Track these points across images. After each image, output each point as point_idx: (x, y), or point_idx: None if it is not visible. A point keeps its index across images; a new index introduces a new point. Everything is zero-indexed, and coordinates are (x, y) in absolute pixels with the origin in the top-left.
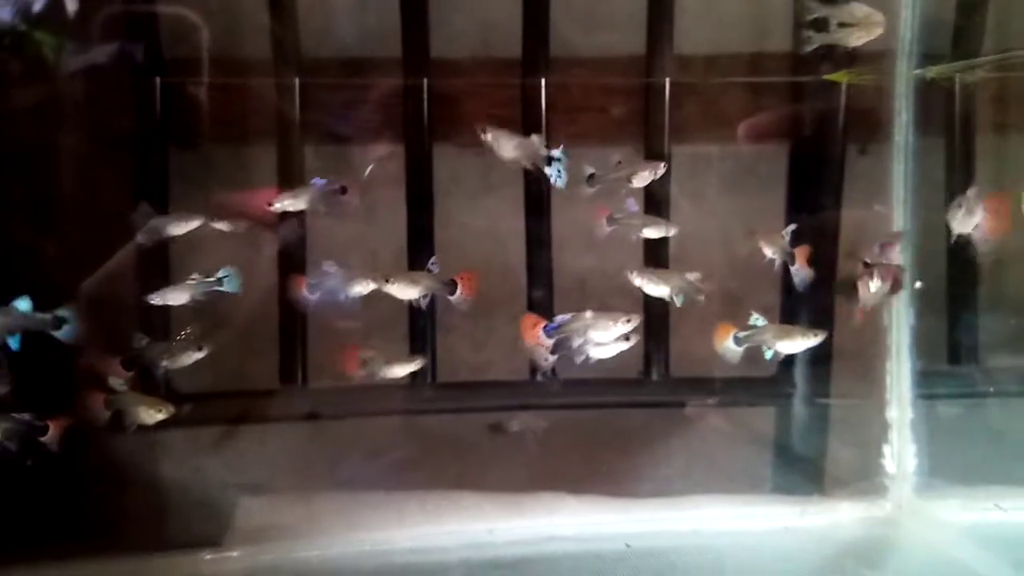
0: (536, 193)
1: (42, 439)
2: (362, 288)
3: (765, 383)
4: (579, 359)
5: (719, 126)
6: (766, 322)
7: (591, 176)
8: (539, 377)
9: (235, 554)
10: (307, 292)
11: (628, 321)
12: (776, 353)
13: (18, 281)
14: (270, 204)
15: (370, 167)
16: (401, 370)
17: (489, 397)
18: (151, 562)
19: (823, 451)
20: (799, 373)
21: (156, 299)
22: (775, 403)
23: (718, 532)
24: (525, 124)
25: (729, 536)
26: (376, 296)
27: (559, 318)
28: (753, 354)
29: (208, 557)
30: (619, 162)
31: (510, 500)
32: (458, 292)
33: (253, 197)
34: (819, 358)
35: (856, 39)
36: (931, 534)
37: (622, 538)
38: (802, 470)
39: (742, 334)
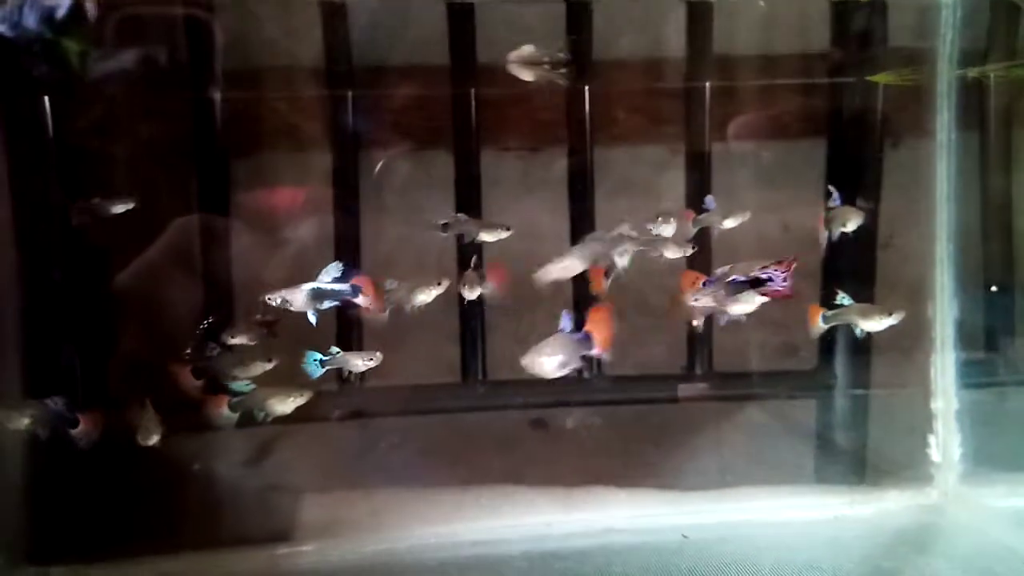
0: (580, 192)
1: (72, 431)
2: (426, 296)
3: (806, 375)
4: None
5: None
6: (852, 301)
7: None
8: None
9: (307, 549)
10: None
11: (790, 265)
12: (862, 331)
13: (89, 298)
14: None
15: (379, 164)
16: (426, 296)
17: (537, 394)
18: (227, 557)
19: (865, 442)
20: (840, 365)
21: (274, 299)
22: (816, 395)
23: (769, 522)
24: (569, 127)
25: (780, 526)
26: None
27: (720, 270)
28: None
29: (282, 552)
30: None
31: (562, 495)
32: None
33: (279, 196)
34: (859, 350)
35: None
36: (978, 521)
37: (677, 530)
38: (845, 461)
39: (829, 313)
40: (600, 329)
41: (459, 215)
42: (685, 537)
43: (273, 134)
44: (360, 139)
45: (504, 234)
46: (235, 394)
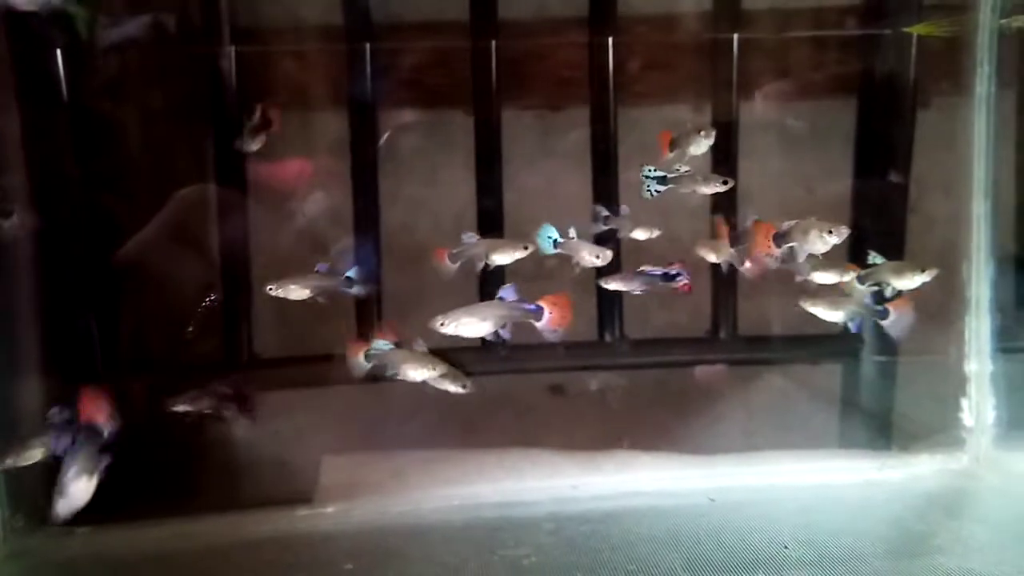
0: (603, 153)
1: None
2: (505, 257)
3: (832, 340)
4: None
5: (788, 82)
6: (884, 260)
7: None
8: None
9: (329, 510)
10: (449, 261)
11: (830, 232)
12: (895, 290)
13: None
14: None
15: (386, 135)
16: (506, 257)
17: (560, 357)
18: (247, 517)
19: (892, 406)
20: (867, 329)
21: (273, 291)
22: (843, 359)
23: (797, 486)
24: (591, 83)
25: (809, 490)
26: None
27: (785, 225)
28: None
29: (303, 513)
30: (687, 170)
31: (586, 457)
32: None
33: (288, 167)
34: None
35: None
36: (1011, 485)
37: (703, 493)
38: (873, 426)
39: (863, 272)
40: (556, 309)
41: (468, 239)
42: (712, 500)
43: (288, 93)
44: (377, 98)
45: (521, 254)
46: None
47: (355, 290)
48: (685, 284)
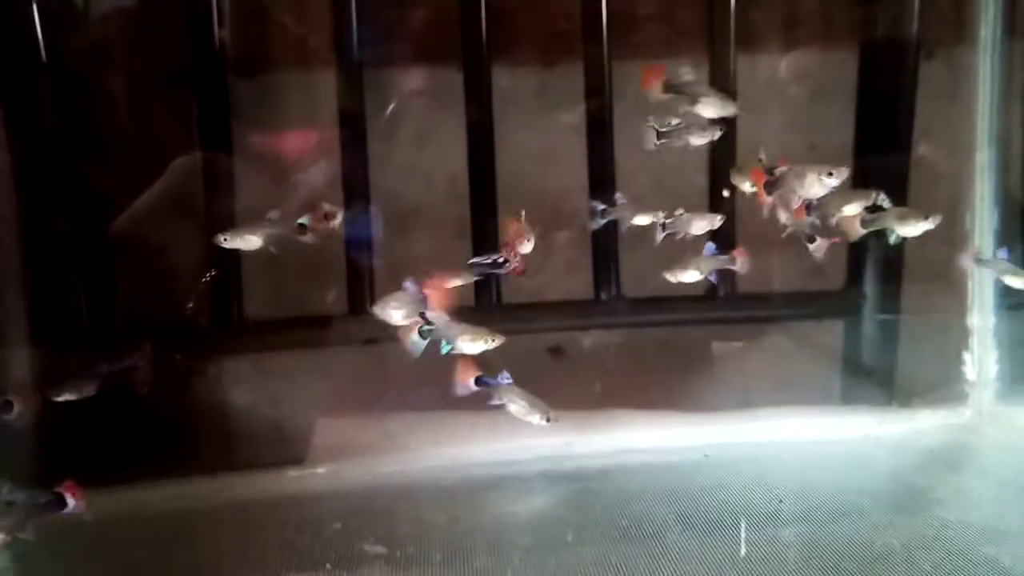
0: (598, 114)
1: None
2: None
3: (833, 296)
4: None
5: (786, 34)
6: (891, 205)
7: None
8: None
9: (320, 471)
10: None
11: (831, 175)
12: (898, 236)
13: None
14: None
15: (391, 107)
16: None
17: (555, 317)
18: (240, 479)
19: (895, 363)
20: (869, 283)
21: (227, 242)
22: (845, 315)
23: (796, 442)
24: (585, 36)
25: (807, 445)
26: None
27: (778, 170)
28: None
29: (294, 474)
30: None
31: (580, 417)
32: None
33: (288, 137)
34: (889, 268)
35: None
36: (1013, 439)
37: (698, 450)
38: (874, 382)
39: (868, 217)
40: (434, 294)
41: (435, 321)
42: (706, 456)
43: (275, 50)
44: (365, 53)
45: (492, 344)
46: (429, 323)
47: (307, 238)
48: (515, 269)
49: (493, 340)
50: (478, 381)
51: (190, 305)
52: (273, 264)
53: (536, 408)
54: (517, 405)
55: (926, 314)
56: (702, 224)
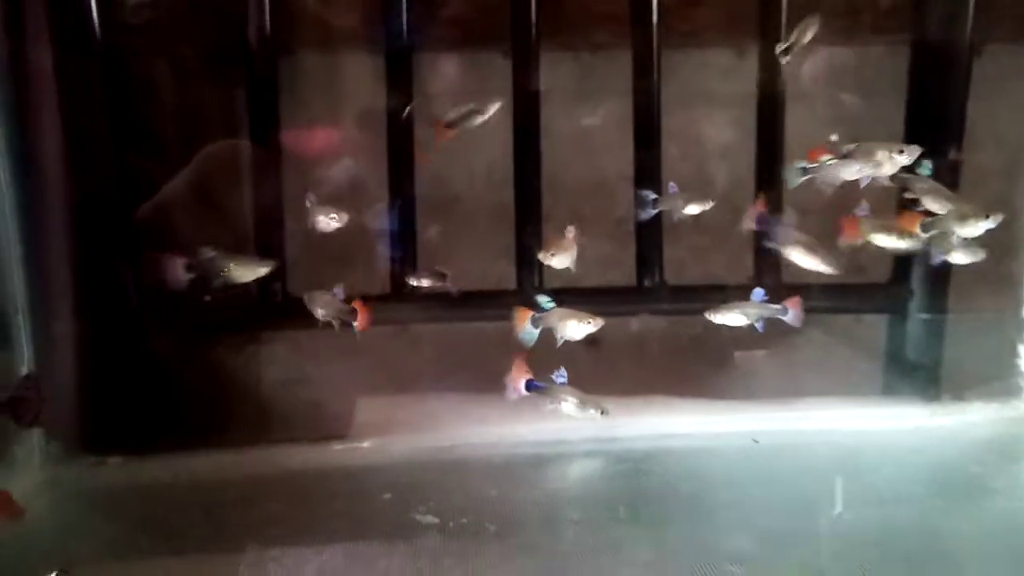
0: (646, 102)
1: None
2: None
3: (879, 289)
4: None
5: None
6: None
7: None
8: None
9: (365, 445)
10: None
11: (901, 152)
12: (959, 239)
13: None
14: None
15: (409, 107)
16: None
17: (597, 303)
18: (285, 451)
19: (941, 353)
20: (916, 276)
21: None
22: (891, 308)
23: (846, 431)
24: (633, 20)
25: (858, 435)
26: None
27: (846, 148)
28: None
29: (338, 448)
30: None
31: (621, 402)
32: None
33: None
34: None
35: None
36: None
37: (747, 436)
38: (920, 377)
39: (928, 220)
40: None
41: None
42: (756, 442)
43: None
44: (414, 39)
45: (592, 327)
46: (539, 310)
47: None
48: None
49: (592, 322)
50: (529, 386)
51: (207, 298)
52: (319, 246)
53: (588, 404)
54: (570, 404)
55: (977, 309)
56: (693, 208)
